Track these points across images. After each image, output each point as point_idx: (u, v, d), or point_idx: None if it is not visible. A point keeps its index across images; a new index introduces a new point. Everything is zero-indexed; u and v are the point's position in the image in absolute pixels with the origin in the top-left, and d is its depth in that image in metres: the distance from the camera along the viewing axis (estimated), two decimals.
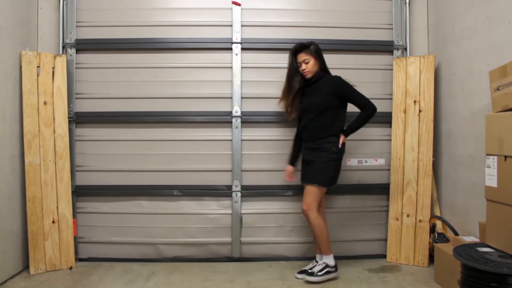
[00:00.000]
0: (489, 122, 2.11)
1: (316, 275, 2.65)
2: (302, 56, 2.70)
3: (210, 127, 3.14)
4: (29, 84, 2.83)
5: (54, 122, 2.91)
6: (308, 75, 2.71)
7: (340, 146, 2.67)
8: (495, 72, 2.13)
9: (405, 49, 3.21)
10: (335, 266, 2.70)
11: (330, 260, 2.69)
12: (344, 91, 2.66)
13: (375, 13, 3.22)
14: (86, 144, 3.13)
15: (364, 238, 3.19)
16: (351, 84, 2.68)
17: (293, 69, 2.75)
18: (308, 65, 2.69)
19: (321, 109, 2.66)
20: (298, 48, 2.72)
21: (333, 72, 3.20)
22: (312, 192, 2.65)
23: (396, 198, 3.07)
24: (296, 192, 3.14)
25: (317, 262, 2.77)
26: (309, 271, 2.71)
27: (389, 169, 3.13)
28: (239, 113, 3.11)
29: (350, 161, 3.20)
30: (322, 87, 2.68)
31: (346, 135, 2.70)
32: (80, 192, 3.11)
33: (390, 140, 3.12)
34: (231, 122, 3.12)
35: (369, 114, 2.65)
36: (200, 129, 3.14)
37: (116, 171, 3.12)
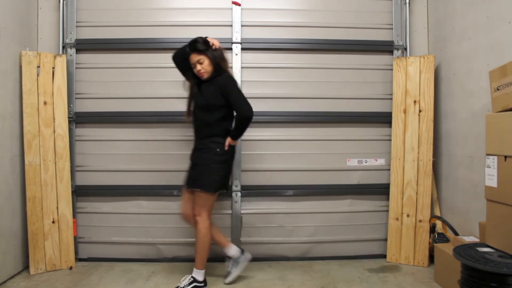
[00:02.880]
0: (489, 122, 2.11)
1: None
2: (195, 57, 2.48)
3: None
4: (29, 84, 2.83)
5: (54, 122, 2.91)
6: (205, 75, 2.50)
7: (226, 148, 2.53)
8: (495, 72, 2.13)
9: (405, 49, 3.21)
10: (204, 282, 2.55)
11: (200, 275, 2.53)
12: (225, 90, 2.48)
13: (375, 13, 3.22)
14: (86, 144, 3.13)
15: (364, 238, 3.19)
16: (238, 87, 2.56)
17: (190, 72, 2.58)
18: (204, 65, 2.48)
19: (208, 107, 2.51)
20: (190, 49, 2.51)
21: (334, 72, 3.21)
22: (200, 197, 2.50)
23: (396, 198, 3.06)
24: (297, 192, 3.15)
25: (232, 258, 2.69)
26: (180, 286, 2.51)
27: (389, 169, 3.13)
28: None
29: (350, 161, 3.20)
30: (214, 84, 2.51)
31: (232, 138, 2.54)
32: (80, 192, 3.11)
33: (390, 140, 3.12)
34: None
35: (241, 118, 2.49)
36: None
37: (116, 171, 3.12)
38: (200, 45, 2.50)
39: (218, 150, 2.51)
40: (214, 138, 2.53)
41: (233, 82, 2.55)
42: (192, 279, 2.52)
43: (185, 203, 2.66)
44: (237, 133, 2.57)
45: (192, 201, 2.60)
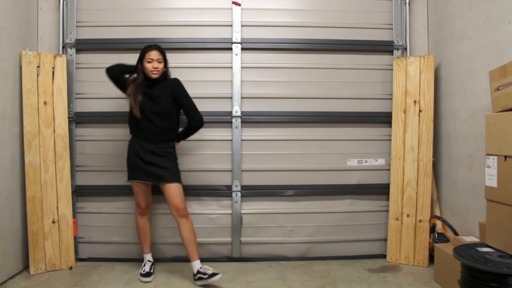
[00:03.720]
0: (489, 122, 2.11)
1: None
2: (157, 54, 2.63)
3: (210, 127, 3.12)
4: (29, 84, 2.83)
5: (54, 122, 2.91)
6: (157, 75, 2.64)
7: (177, 151, 2.77)
8: (495, 72, 2.13)
9: (405, 49, 3.21)
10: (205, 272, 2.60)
11: (199, 266, 2.61)
12: (179, 95, 2.68)
13: (375, 13, 3.22)
14: (86, 144, 3.13)
15: (364, 238, 3.19)
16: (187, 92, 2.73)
17: (140, 68, 2.67)
18: (160, 66, 2.64)
19: (167, 113, 2.66)
20: (156, 46, 2.66)
21: (334, 72, 3.21)
22: (178, 189, 2.65)
23: (396, 198, 3.06)
24: (297, 192, 3.15)
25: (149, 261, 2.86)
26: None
27: (389, 169, 3.13)
28: (239, 113, 3.11)
29: (350, 161, 3.20)
30: (166, 90, 2.66)
31: (178, 141, 2.79)
32: (80, 192, 3.11)
33: (390, 140, 3.12)
34: (231, 122, 3.12)
35: (194, 127, 2.73)
36: (200, 129, 3.14)
37: (116, 171, 3.12)
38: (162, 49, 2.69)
39: (176, 154, 2.75)
40: (171, 143, 2.72)
41: (183, 86, 2.72)
42: (199, 273, 2.57)
43: (146, 197, 2.78)
44: (184, 138, 2.81)
45: (149, 195, 2.81)
